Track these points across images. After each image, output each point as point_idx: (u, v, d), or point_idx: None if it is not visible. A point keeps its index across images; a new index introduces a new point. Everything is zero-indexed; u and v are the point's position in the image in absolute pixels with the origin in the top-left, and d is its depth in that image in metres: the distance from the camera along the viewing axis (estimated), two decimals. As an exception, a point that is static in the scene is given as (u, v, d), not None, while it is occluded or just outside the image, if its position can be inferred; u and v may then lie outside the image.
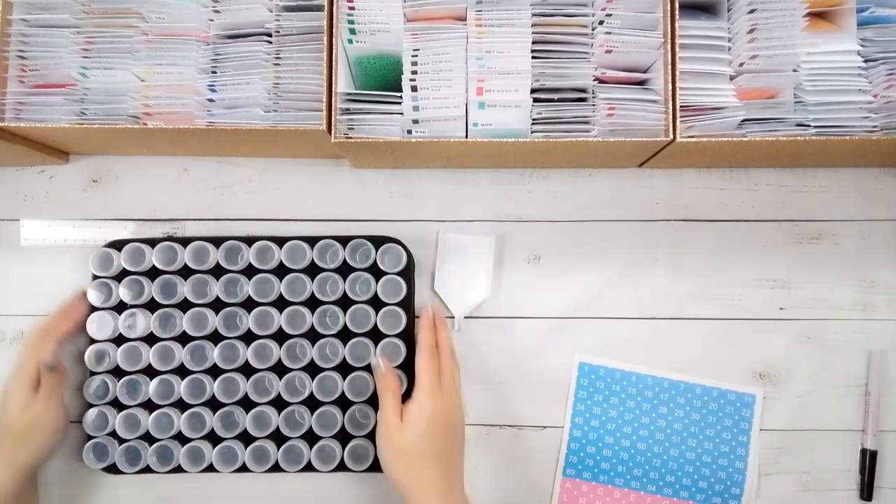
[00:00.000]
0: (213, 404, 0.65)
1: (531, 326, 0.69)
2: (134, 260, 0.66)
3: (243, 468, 0.64)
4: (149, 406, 0.65)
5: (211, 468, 0.64)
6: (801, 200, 0.69)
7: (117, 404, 0.65)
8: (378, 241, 0.66)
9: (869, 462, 0.65)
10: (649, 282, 0.69)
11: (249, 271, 0.65)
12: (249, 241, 0.65)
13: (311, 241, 0.66)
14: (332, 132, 0.59)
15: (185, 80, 0.60)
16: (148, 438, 0.65)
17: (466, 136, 0.61)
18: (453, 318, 0.68)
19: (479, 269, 0.68)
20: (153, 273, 0.66)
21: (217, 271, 0.66)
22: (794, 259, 0.69)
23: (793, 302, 0.68)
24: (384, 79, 0.64)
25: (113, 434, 0.65)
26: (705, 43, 0.58)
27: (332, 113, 0.59)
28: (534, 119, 0.60)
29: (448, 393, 0.60)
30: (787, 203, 0.69)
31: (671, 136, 0.57)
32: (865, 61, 0.58)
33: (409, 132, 0.61)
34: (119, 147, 0.69)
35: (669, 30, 0.58)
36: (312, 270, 0.66)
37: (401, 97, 0.59)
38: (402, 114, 0.60)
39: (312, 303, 0.66)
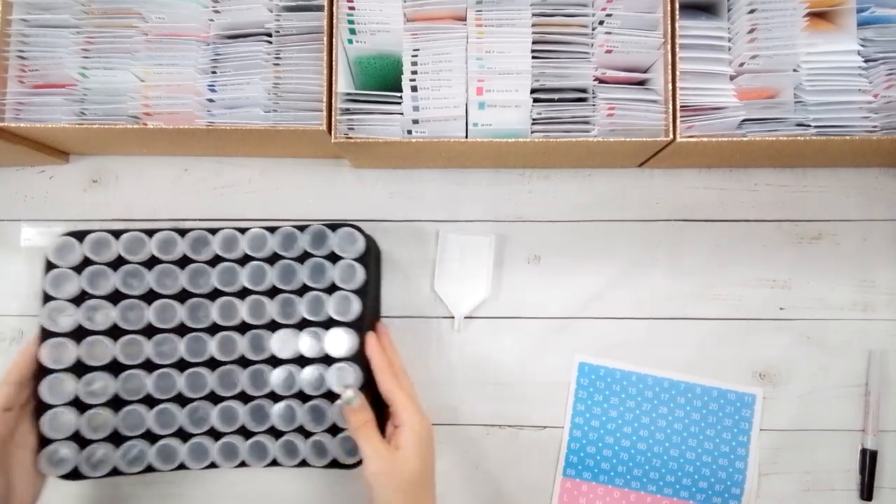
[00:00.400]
0: (182, 399, 0.62)
1: (531, 326, 0.69)
2: (97, 250, 0.62)
3: (212, 465, 0.62)
4: (113, 404, 0.62)
5: (182, 466, 0.62)
6: (801, 200, 0.69)
7: (78, 403, 0.61)
8: (335, 228, 0.63)
9: (869, 462, 0.65)
10: (649, 282, 0.69)
11: (215, 261, 0.63)
12: (213, 230, 0.63)
13: (274, 229, 0.63)
14: (332, 132, 0.59)
15: (185, 80, 0.60)
16: (114, 439, 0.62)
17: (466, 136, 0.61)
18: (453, 318, 0.68)
19: (478, 269, 0.68)
20: (116, 263, 0.62)
21: (183, 262, 0.63)
22: (794, 259, 0.69)
23: (793, 302, 0.68)
24: (384, 79, 0.64)
25: (74, 436, 0.61)
26: (705, 43, 0.58)
27: (332, 113, 0.59)
28: (534, 119, 0.60)
29: (422, 410, 0.58)
30: (787, 203, 0.69)
31: (671, 136, 0.57)
32: (865, 61, 0.58)
33: (409, 132, 0.61)
34: (119, 147, 0.69)
35: (669, 30, 0.58)
36: (275, 259, 0.63)
37: (401, 97, 0.59)
38: (402, 114, 0.60)
39: (274, 292, 0.63)
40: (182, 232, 0.63)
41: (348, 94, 0.60)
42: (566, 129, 0.59)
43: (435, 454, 0.58)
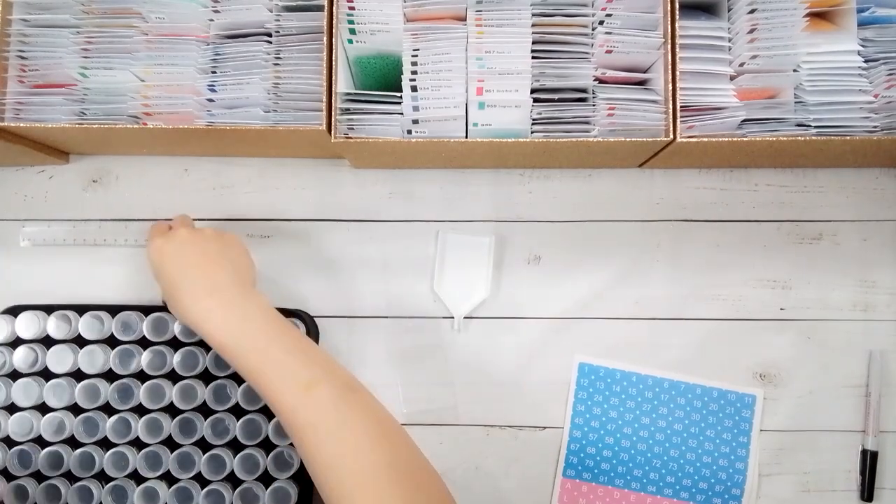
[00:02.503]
0: (103, 477, 0.63)
1: (531, 326, 0.68)
2: (29, 328, 0.64)
3: None
4: (37, 477, 0.63)
5: None
6: (801, 201, 0.69)
7: (5, 474, 0.63)
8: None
9: (869, 463, 0.65)
10: (649, 282, 0.69)
11: (144, 343, 0.64)
12: (146, 310, 0.64)
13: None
14: (332, 132, 0.59)
15: (184, 80, 0.60)
16: (37, 476, 0.62)
17: (466, 136, 0.61)
18: (453, 318, 0.68)
19: (478, 269, 0.68)
20: (48, 341, 0.64)
21: (112, 341, 0.64)
22: (794, 259, 0.69)
23: (793, 302, 0.68)
24: (384, 79, 0.64)
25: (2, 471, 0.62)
26: (705, 43, 0.58)
27: (332, 113, 0.59)
28: (534, 119, 0.60)
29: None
30: (787, 203, 0.69)
31: (671, 137, 0.57)
32: (866, 61, 0.58)
33: (409, 132, 0.61)
34: (119, 147, 0.69)
35: (670, 30, 0.58)
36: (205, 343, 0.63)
37: (401, 97, 0.59)
38: (402, 114, 0.60)
39: (206, 377, 0.64)
40: (112, 311, 0.65)
41: (348, 93, 0.60)
42: (566, 129, 0.59)
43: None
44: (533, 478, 0.67)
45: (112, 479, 0.62)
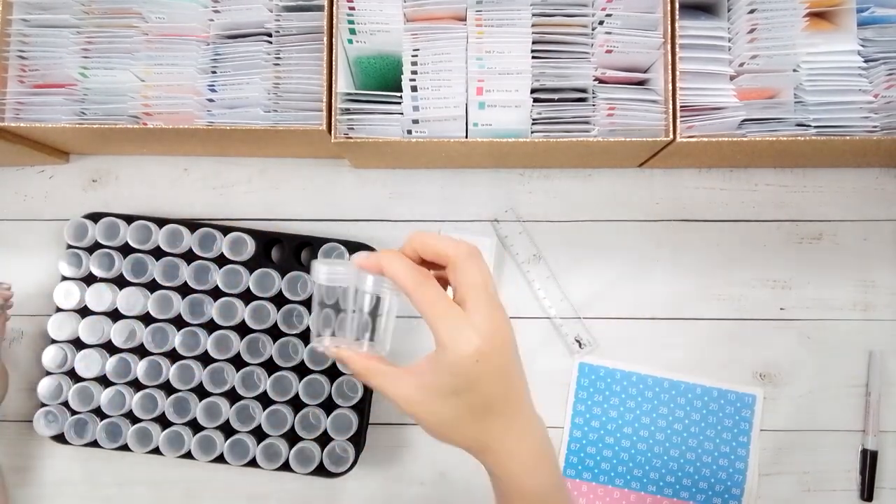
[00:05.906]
0: (168, 388, 0.64)
1: (531, 326, 0.68)
2: (108, 234, 0.66)
3: (188, 455, 0.63)
4: (104, 381, 0.65)
5: (157, 451, 0.64)
6: (801, 200, 0.69)
7: (73, 375, 0.65)
8: (353, 248, 0.66)
9: (869, 462, 0.65)
10: (649, 282, 0.69)
11: (221, 260, 0.65)
12: (225, 230, 0.65)
13: (288, 238, 0.66)
14: (332, 132, 0.59)
15: (184, 80, 0.60)
16: (99, 413, 0.65)
17: (466, 136, 0.61)
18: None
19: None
20: (125, 249, 0.66)
21: (189, 256, 0.66)
22: (794, 259, 0.69)
23: (793, 302, 0.68)
24: (384, 79, 0.64)
25: (65, 404, 0.64)
26: (705, 43, 0.58)
27: (332, 113, 0.59)
28: (534, 119, 0.60)
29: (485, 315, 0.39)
30: (787, 203, 0.69)
31: (671, 136, 0.57)
32: (866, 61, 0.58)
33: (409, 132, 0.61)
34: (119, 147, 0.69)
35: (669, 30, 0.58)
36: (284, 267, 0.66)
37: (401, 97, 0.59)
38: (402, 114, 0.60)
39: (279, 300, 0.65)
40: (192, 227, 0.66)
41: (348, 94, 0.60)
42: (566, 129, 0.59)
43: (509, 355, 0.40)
44: (533, 478, 0.67)
45: (177, 390, 0.64)
